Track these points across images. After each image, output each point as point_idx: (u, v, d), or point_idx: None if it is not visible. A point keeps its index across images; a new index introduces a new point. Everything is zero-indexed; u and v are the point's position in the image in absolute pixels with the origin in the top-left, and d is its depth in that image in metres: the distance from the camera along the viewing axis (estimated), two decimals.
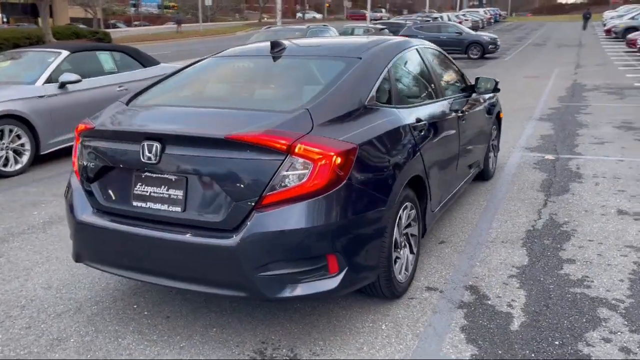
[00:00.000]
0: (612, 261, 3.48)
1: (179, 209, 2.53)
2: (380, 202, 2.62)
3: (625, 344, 2.58)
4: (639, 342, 2.60)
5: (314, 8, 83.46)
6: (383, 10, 72.60)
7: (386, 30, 21.68)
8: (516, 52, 22.92)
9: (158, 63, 7.79)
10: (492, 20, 46.77)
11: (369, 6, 40.36)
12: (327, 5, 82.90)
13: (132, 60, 7.38)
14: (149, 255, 2.59)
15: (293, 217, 2.36)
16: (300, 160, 2.36)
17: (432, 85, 3.74)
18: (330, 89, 2.82)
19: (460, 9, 57.46)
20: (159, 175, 2.58)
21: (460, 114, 3.91)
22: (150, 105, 3.05)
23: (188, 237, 2.46)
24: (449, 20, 31.96)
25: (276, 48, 3.36)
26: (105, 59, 7.14)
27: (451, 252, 3.65)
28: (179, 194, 2.54)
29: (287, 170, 2.36)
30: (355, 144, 2.50)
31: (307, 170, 2.35)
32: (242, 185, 2.40)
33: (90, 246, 2.81)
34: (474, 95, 4.42)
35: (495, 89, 4.57)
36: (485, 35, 22.03)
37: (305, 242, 2.38)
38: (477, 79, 4.46)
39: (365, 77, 2.99)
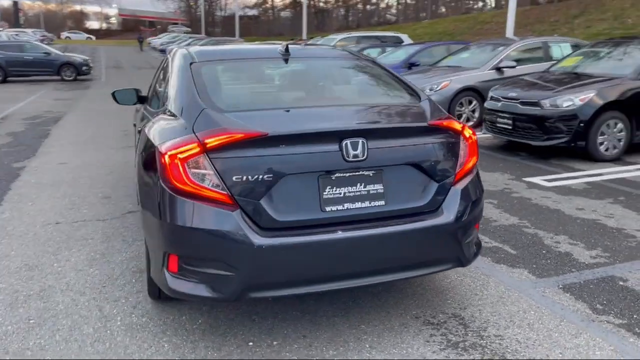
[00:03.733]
0: None
1: (382, 202, 2.59)
2: None
3: None
4: None
5: None
6: None
7: None
8: (104, 74, 23.64)
9: None
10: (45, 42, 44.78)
11: None
12: None
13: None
14: (351, 258, 2.53)
15: (472, 188, 2.82)
16: (464, 140, 2.81)
17: None
18: (402, 82, 3.29)
19: None
20: (353, 174, 2.55)
21: None
22: (263, 109, 2.83)
23: (407, 226, 2.57)
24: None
25: (286, 51, 3.33)
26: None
27: None
28: (378, 188, 2.59)
29: (461, 149, 2.82)
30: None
31: (466, 148, 2.84)
32: (442, 167, 2.73)
33: (270, 273, 2.45)
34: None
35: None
36: (76, 56, 21.85)
37: (482, 206, 2.95)
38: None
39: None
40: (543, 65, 9.41)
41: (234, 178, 2.43)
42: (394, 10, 53.88)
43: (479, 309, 3.06)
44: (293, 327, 2.90)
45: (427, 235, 2.64)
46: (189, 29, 66.04)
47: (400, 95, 3.20)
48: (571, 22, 20.22)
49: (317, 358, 2.62)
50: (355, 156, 2.52)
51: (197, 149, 2.44)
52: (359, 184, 2.57)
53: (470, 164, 2.85)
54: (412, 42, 17.88)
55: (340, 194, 2.55)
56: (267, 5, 77.27)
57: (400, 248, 2.62)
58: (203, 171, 2.45)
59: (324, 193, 2.52)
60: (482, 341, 2.74)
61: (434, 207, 2.71)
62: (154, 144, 2.73)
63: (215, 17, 79.19)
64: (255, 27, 67.73)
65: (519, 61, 9.69)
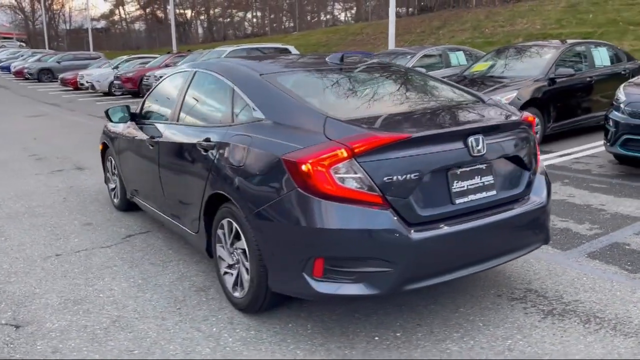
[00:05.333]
0: None
1: (493, 192, 2.89)
2: None
3: None
4: None
5: None
6: None
7: None
8: None
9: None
10: None
11: None
12: None
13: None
14: (481, 244, 2.81)
15: (545, 173, 3.29)
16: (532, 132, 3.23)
17: None
18: (456, 86, 3.66)
19: None
20: (472, 168, 2.82)
21: None
22: (377, 115, 2.90)
23: (516, 211, 2.91)
24: None
25: (341, 61, 3.65)
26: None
27: None
28: (489, 179, 2.88)
29: (534, 140, 3.18)
30: None
31: (535, 139, 3.22)
32: (528, 156, 3.09)
33: (423, 265, 2.63)
34: None
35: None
36: None
37: None
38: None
39: None
40: (444, 72, 10.38)
41: (384, 179, 2.57)
42: (254, 21, 54.40)
43: (541, 283, 3.48)
44: (402, 319, 3.08)
45: (529, 218, 3.00)
46: (24, 44, 60.52)
47: (472, 97, 3.47)
48: (436, 33, 22.25)
49: (449, 341, 2.84)
50: (479, 151, 2.81)
51: (345, 154, 2.54)
52: (476, 177, 2.86)
53: (539, 153, 3.27)
54: (298, 53, 18.40)
55: (463, 187, 2.81)
56: (116, 17, 73.61)
57: (513, 232, 2.96)
58: (352, 175, 2.56)
59: (453, 187, 2.77)
60: (568, 307, 3.15)
61: (527, 194, 3.09)
62: (271, 154, 2.76)
63: (58, 31, 73.50)
64: (107, 40, 64.09)
65: (424, 67, 10.58)
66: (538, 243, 3.13)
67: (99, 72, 21.71)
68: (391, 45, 16.39)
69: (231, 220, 3.13)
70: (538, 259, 3.84)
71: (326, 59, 3.80)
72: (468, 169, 2.83)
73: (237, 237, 3.13)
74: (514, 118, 3.14)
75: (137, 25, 69.55)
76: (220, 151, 3.19)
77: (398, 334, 2.93)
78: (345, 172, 2.56)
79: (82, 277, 3.81)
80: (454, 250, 2.73)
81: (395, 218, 2.58)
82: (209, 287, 3.59)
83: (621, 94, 6.39)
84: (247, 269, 3.06)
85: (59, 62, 29.94)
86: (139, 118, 4.72)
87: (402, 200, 2.61)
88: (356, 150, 2.55)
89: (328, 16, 47.55)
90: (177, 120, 3.94)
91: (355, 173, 2.56)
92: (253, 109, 3.14)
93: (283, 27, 45.51)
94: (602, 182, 5.92)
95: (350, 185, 2.56)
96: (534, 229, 3.07)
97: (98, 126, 12.07)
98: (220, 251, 3.35)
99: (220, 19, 54.84)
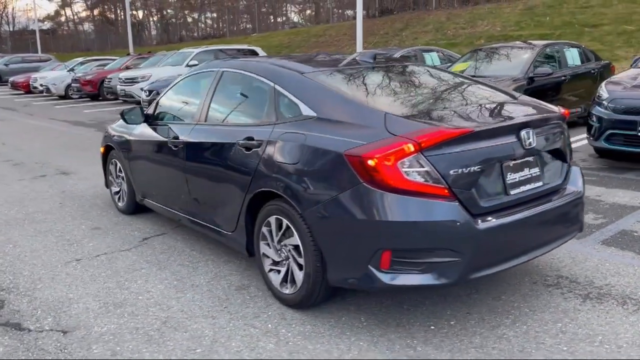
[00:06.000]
0: None
1: (540, 183, 3.06)
2: None
3: None
4: None
5: None
6: None
7: None
8: None
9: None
10: None
11: None
12: None
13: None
14: (535, 233, 2.96)
15: (575, 163, 3.48)
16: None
17: None
18: (486, 84, 3.80)
19: None
20: (522, 160, 2.96)
21: None
22: (431, 110, 3.06)
23: (562, 200, 3.09)
24: None
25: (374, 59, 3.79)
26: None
27: None
28: (536, 171, 3.05)
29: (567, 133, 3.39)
30: None
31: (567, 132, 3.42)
32: (566, 148, 3.29)
33: (488, 253, 2.76)
34: None
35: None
36: None
37: None
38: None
39: None
40: None
41: (449, 172, 2.67)
42: (208, 22, 53.71)
43: (569, 270, 3.67)
44: (450, 308, 3.19)
45: (570, 207, 3.17)
46: None
47: (505, 94, 3.59)
48: (400, 35, 22.67)
49: (503, 327, 2.97)
50: (530, 144, 2.96)
51: (412, 149, 2.63)
52: (525, 169, 3.01)
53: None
54: (266, 54, 18.38)
55: (515, 178, 2.95)
56: (62, 18, 71.17)
57: (557, 220, 3.13)
58: (419, 168, 2.65)
59: (507, 179, 2.90)
60: (602, 291, 3.34)
61: (565, 184, 3.27)
62: (330, 151, 2.82)
63: (1, 32, 70.46)
64: (54, 42, 61.94)
65: None
66: (575, 231, 3.30)
67: (54, 75, 21.11)
68: (359, 46, 16.54)
69: (280, 217, 3.16)
70: (558, 248, 4.03)
71: (355, 57, 3.88)
72: (519, 161, 2.96)
73: (286, 234, 3.17)
74: (554, 112, 3.30)
75: (86, 26, 67.55)
76: (268, 149, 3.21)
77: (452, 323, 3.03)
78: (411, 165, 2.65)
79: (112, 281, 3.74)
80: (513, 239, 2.86)
81: (462, 209, 2.68)
82: (247, 285, 3.60)
83: (603, 91, 6.73)
84: (299, 265, 3.09)
85: (6, 65, 28.89)
86: (152, 119, 4.67)
87: (466, 192, 2.71)
88: (423, 145, 2.64)
89: (283, 18, 47.60)
90: (205, 121, 3.93)
91: (422, 167, 2.65)
92: (301, 107, 3.18)
93: (242, 28, 45.20)
94: (590, 174, 6.22)
95: (417, 179, 2.65)
96: (573, 218, 3.24)
97: (67, 130, 11.81)
98: (265, 249, 3.37)
99: (174, 20, 53.89)
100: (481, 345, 2.79)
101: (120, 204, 5.37)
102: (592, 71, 9.61)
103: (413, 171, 2.65)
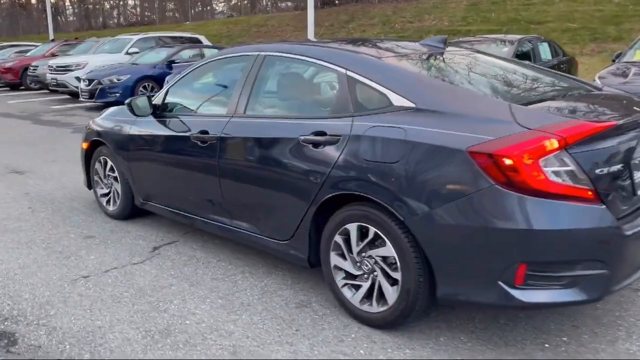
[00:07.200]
0: None
1: None
2: None
3: None
4: None
5: None
6: None
7: None
8: None
9: None
10: None
11: None
12: None
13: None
14: None
15: None
16: None
17: None
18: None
19: None
20: None
21: None
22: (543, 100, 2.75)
23: None
24: None
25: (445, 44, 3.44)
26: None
27: None
28: None
29: None
30: None
31: None
32: None
33: (630, 261, 2.43)
34: None
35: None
36: None
37: None
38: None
39: None
40: None
41: (595, 171, 2.33)
42: (134, 10, 51.12)
43: None
44: (550, 321, 2.87)
45: None
46: None
47: (590, 85, 3.29)
48: (346, 27, 22.40)
49: (621, 341, 2.69)
50: None
51: (556, 145, 2.26)
52: None
53: None
54: (209, 43, 17.55)
55: (638, 177, 2.63)
56: None
57: None
58: (563, 167, 2.29)
59: (635, 177, 2.57)
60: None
61: None
62: (446, 147, 2.41)
63: None
64: None
65: None
66: None
67: None
68: (310, 37, 16.14)
69: (366, 224, 2.72)
70: None
71: (419, 43, 3.50)
72: None
73: (372, 244, 2.74)
74: None
75: None
76: (350, 145, 2.75)
77: (564, 339, 2.72)
78: (553, 164, 2.28)
79: (142, 302, 3.15)
80: None
81: (610, 214, 2.33)
82: (307, 301, 3.13)
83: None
84: (392, 280, 2.67)
85: None
86: (161, 111, 4.05)
87: (609, 194, 2.38)
88: (569, 140, 2.27)
89: (207, 7, 46.21)
90: (244, 113, 3.39)
91: (567, 165, 2.29)
92: (390, 96, 2.74)
93: (173, 15, 43.40)
94: None
95: (561, 179, 2.29)
96: None
97: None
98: (337, 260, 2.92)
99: (92, 6, 50.89)
100: None
101: (110, 208, 4.68)
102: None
103: (556, 171, 2.29)
